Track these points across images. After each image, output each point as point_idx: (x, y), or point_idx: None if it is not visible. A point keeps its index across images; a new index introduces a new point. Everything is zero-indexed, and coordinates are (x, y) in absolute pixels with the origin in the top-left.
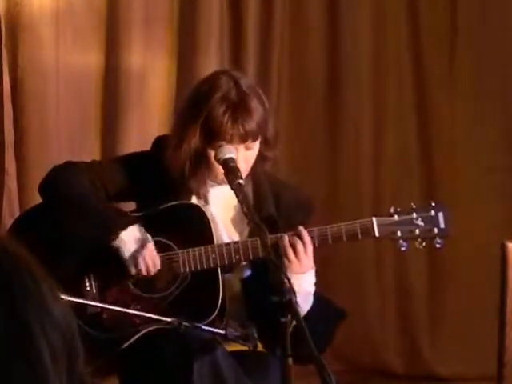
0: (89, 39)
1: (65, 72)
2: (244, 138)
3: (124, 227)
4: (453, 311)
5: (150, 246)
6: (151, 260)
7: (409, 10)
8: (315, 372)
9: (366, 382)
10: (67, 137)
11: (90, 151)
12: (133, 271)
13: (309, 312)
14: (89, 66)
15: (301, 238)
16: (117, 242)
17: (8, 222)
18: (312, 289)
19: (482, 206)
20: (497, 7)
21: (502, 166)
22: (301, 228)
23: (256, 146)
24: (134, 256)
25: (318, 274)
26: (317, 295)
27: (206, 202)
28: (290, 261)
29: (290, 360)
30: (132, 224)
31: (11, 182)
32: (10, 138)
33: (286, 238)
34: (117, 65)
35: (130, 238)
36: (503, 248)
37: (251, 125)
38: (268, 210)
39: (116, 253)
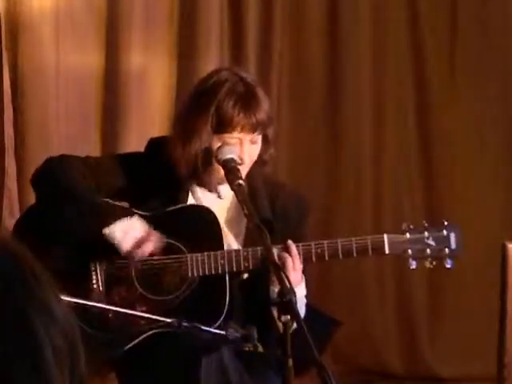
0: (89, 39)
1: (65, 72)
2: (255, 128)
3: (117, 218)
4: (453, 312)
5: (145, 225)
6: (145, 238)
7: (409, 10)
8: (315, 373)
9: None
10: (67, 137)
11: (90, 151)
12: (123, 250)
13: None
14: (89, 66)
15: (289, 252)
16: (108, 232)
17: (8, 222)
18: (303, 301)
19: (483, 206)
20: (497, 7)
21: (503, 166)
22: (289, 242)
23: (259, 141)
24: (125, 235)
25: (318, 278)
26: (310, 306)
27: (220, 196)
28: None
29: (291, 361)
30: (125, 216)
31: (11, 183)
32: (9, 139)
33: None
34: (117, 65)
35: (122, 224)
36: (503, 249)
37: (261, 114)
38: (263, 214)
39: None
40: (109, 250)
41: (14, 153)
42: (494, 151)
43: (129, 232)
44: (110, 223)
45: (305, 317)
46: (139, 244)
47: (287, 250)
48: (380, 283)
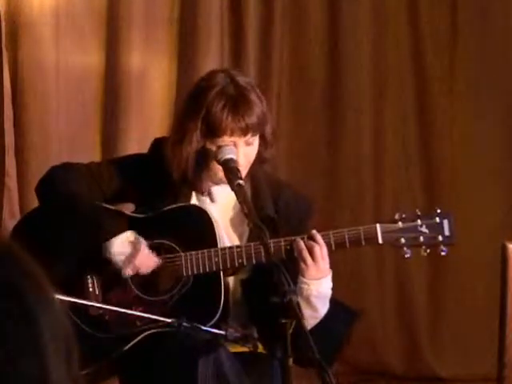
0: (89, 39)
1: (65, 72)
2: (245, 131)
3: (115, 233)
4: (453, 312)
5: (143, 248)
6: (144, 262)
7: (409, 9)
8: (315, 373)
9: None
10: (67, 137)
11: (90, 151)
12: (125, 274)
13: (325, 315)
14: (89, 66)
15: (316, 241)
16: (108, 247)
17: (8, 222)
18: (329, 293)
19: (483, 205)
20: (497, 7)
21: (503, 167)
22: (314, 231)
23: (256, 142)
24: (126, 259)
25: None
26: (330, 298)
27: (212, 199)
28: (306, 265)
29: (291, 361)
30: (123, 231)
31: (11, 183)
32: (10, 139)
33: (302, 241)
34: (117, 65)
35: (121, 243)
36: (503, 249)
37: (252, 118)
38: (267, 211)
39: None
40: (104, 258)
41: (13, 153)
42: (495, 151)
43: (124, 251)
44: (107, 238)
45: (328, 308)
46: (131, 261)
47: (313, 239)
48: (380, 283)
